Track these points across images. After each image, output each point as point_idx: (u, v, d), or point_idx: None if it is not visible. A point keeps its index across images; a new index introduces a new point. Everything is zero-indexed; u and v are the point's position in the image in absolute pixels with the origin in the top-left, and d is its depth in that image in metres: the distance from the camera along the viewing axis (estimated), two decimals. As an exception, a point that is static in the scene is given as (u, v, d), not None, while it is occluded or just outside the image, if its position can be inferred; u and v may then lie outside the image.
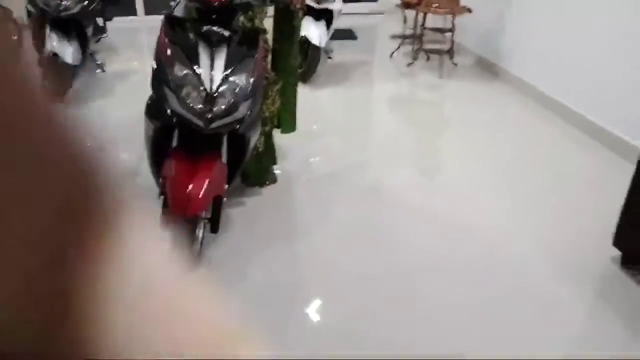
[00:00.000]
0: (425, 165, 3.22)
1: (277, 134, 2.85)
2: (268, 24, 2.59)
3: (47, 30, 3.72)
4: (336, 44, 5.32)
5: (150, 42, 2.06)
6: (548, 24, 3.85)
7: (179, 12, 2.40)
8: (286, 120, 2.84)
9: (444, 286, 2.18)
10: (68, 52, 3.72)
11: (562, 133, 3.52)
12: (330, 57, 5.04)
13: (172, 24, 2.07)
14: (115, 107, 3.89)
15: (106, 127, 3.59)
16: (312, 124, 3.56)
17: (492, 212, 2.67)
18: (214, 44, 1.99)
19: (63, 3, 3.69)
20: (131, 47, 5.43)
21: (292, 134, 2.95)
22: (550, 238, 2.47)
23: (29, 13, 3.85)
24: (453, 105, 4.17)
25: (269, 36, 2.60)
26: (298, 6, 2.16)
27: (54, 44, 3.70)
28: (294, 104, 2.82)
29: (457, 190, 2.88)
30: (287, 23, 2.59)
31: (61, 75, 3.77)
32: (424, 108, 4.14)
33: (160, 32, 2.06)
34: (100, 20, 4.55)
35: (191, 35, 2.01)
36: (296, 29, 2.61)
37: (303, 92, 2.82)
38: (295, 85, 2.77)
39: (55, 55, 3.69)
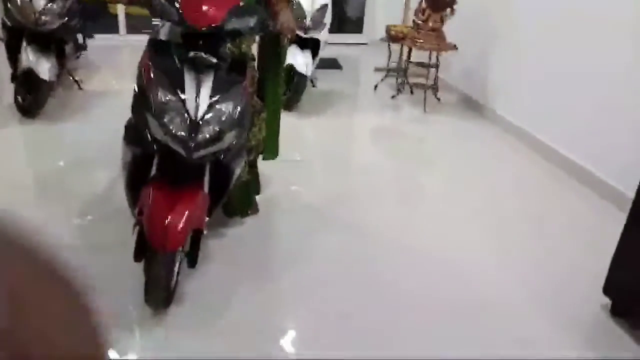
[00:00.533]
0: (407, 199, 3.17)
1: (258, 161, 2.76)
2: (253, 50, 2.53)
3: (24, 44, 3.58)
4: (321, 72, 5.30)
5: (131, 60, 1.97)
6: (536, 64, 3.86)
7: (163, 34, 2.32)
8: (268, 146, 2.75)
9: (426, 326, 2.09)
10: (44, 67, 3.59)
11: (550, 176, 3.50)
12: (314, 85, 5.01)
13: (156, 48, 1.97)
14: (91, 126, 3.74)
15: (80, 146, 3.45)
16: (294, 151, 3.49)
17: (476, 252, 2.61)
18: (200, 70, 1.90)
19: (42, 18, 3.56)
20: (111, 66, 5.30)
21: (273, 160, 2.86)
22: (537, 281, 2.42)
23: (3, 24, 3.70)
24: (437, 141, 4.14)
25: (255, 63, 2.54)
26: (289, 37, 2.09)
27: (30, 58, 3.56)
28: (277, 131, 2.74)
29: (439, 227, 2.82)
30: (273, 50, 2.53)
31: (36, 92, 3.62)
32: (407, 141, 4.10)
33: (144, 55, 1.97)
34: (80, 37, 4.43)
35: (176, 61, 1.91)
36: (281, 56, 2.54)
37: (286, 120, 2.75)
38: (279, 112, 2.70)
39: (30, 70, 3.55)
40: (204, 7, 1.94)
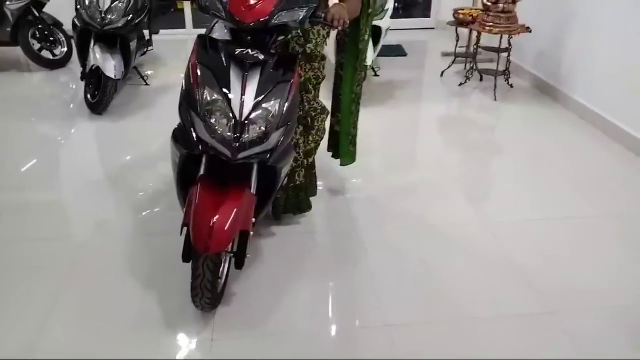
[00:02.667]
0: (475, 195, 2.94)
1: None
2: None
3: (91, 44, 3.71)
4: (384, 60, 5.14)
5: None
6: (615, 44, 3.52)
7: (213, 31, 2.28)
8: (348, 151, 2.67)
9: (499, 341, 1.92)
10: (110, 66, 3.71)
11: (634, 169, 3.18)
12: (377, 74, 4.86)
13: (204, 45, 1.94)
14: (156, 120, 3.85)
15: (145, 140, 3.54)
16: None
17: (551, 257, 2.38)
18: (247, 67, 1.84)
19: (108, 17, 3.68)
20: (177, 60, 5.40)
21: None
22: (615, 289, 2.18)
23: (74, 25, 3.86)
24: (508, 130, 3.87)
25: (328, 62, 2.45)
26: (340, 28, 1.98)
27: (97, 57, 3.70)
28: (355, 135, 2.65)
29: (511, 226, 2.60)
30: (351, 48, 2.42)
31: (103, 89, 3.75)
32: (476, 131, 3.85)
33: (192, 53, 1.94)
34: (146, 33, 4.54)
35: (223, 58, 1.87)
36: (361, 52, 2.43)
37: None
38: (356, 114, 2.60)
39: (97, 68, 3.68)
40: (252, 1, 1.88)
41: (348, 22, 2.03)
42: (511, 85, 4.49)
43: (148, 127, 3.76)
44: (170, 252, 2.24)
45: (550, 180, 3.08)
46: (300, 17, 1.90)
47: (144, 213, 2.73)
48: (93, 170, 3.23)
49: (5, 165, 3.19)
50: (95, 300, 2.11)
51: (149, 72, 4.86)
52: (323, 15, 1.99)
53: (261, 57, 1.88)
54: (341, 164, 2.71)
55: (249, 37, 1.92)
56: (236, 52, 1.86)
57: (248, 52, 1.86)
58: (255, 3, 1.86)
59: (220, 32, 2.39)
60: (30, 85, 4.76)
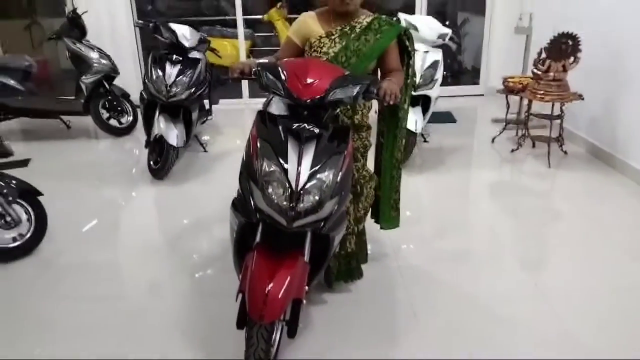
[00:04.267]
0: (531, 267, 2.85)
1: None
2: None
3: (157, 114, 3.97)
4: (434, 127, 5.20)
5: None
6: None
7: (271, 107, 2.42)
8: (390, 216, 2.69)
9: None
10: (173, 135, 3.94)
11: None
12: (426, 141, 4.91)
13: (263, 120, 2.05)
14: (213, 186, 4.02)
15: (202, 204, 3.69)
16: (405, 210, 3.38)
17: (613, 331, 2.26)
18: (303, 140, 1.94)
19: (172, 90, 3.95)
20: (234, 129, 5.69)
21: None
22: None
23: (142, 98, 4.15)
24: (563, 198, 3.78)
25: (374, 130, 2.53)
26: (391, 102, 2.06)
27: (161, 126, 3.94)
28: (399, 200, 2.68)
29: (569, 302, 2.50)
30: (392, 116, 2.51)
31: (165, 156, 3.97)
32: (530, 200, 3.77)
33: (252, 127, 2.05)
34: (206, 103, 4.82)
35: (282, 132, 1.97)
36: (401, 121, 2.50)
37: None
38: (399, 179, 2.64)
39: (161, 137, 3.91)
40: (309, 80, 1.98)
41: (400, 96, 2.11)
42: (565, 152, 4.42)
43: (205, 192, 3.92)
44: (222, 314, 2.28)
45: (608, 250, 2.96)
46: (355, 94, 1.99)
47: (197, 275, 2.81)
48: (151, 232, 3.38)
49: (69, 225, 3.37)
50: (151, 364, 2.15)
51: (206, 138, 5.12)
52: (376, 90, 2.07)
53: (317, 130, 1.97)
54: (382, 228, 2.71)
55: (306, 112, 2.02)
56: (293, 127, 1.95)
57: (305, 126, 1.95)
58: (312, 82, 1.96)
59: (277, 105, 2.53)
60: (97, 151, 5.10)
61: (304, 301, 1.91)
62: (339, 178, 1.94)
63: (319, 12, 2.34)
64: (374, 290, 2.63)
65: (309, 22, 2.32)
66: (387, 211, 2.65)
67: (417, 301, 2.51)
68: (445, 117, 5.66)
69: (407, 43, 2.37)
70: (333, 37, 2.28)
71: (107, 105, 5.18)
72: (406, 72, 2.40)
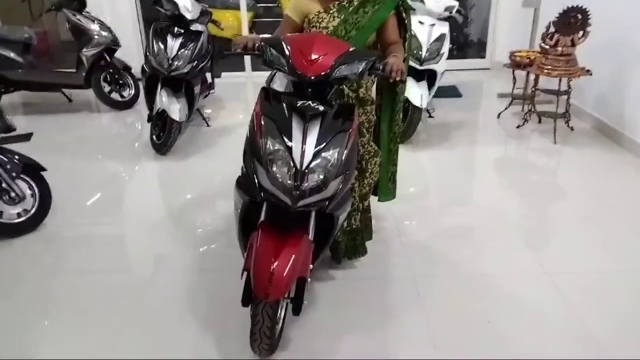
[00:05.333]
0: (537, 246, 2.84)
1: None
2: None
3: (158, 88, 3.93)
4: (439, 101, 5.15)
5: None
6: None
7: (275, 83, 2.38)
8: (387, 187, 2.68)
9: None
10: (175, 109, 3.90)
11: None
12: (431, 116, 4.87)
13: (267, 97, 2.02)
14: (216, 160, 4.01)
15: (205, 179, 3.68)
16: (409, 185, 3.39)
17: (621, 317, 2.27)
18: (307, 118, 1.91)
19: (174, 63, 3.89)
20: (237, 102, 5.64)
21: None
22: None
23: (143, 71, 4.10)
24: (569, 174, 3.76)
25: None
26: (398, 79, 2.03)
27: (164, 100, 3.90)
28: (395, 172, 2.67)
29: (575, 282, 2.49)
30: (390, 90, 2.48)
31: (168, 131, 3.94)
32: (536, 176, 3.75)
33: (256, 104, 2.02)
34: (208, 77, 4.77)
35: (285, 109, 1.94)
36: (399, 96, 2.48)
37: (401, 153, 2.65)
38: (396, 152, 2.63)
39: (163, 111, 3.88)
40: (314, 56, 1.94)
41: (406, 73, 2.08)
42: (572, 128, 4.38)
43: (208, 167, 3.91)
44: (226, 289, 2.31)
45: (614, 228, 2.96)
46: (360, 70, 1.95)
47: (201, 249, 2.82)
48: (155, 207, 3.38)
49: (73, 200, 3.38)
50: (154, 337, 2.17)
51: (209, 111, 5.08)
52: (381, 67, 2.04)
53: (321, 108, 1.93)
54: (379, 200, 2.70)
55: (310, 89, 1.99)
56: (298, 105, 1.92)
57: (309, 104, 1.92)
58: (317, 58, 1.92)
59: (281, 80, 2.49)
60: (99, 125, 5.07)
61: (309, 279, 1.91)
62: (343, 157, 1.92)
63: None
64: (378, 267, 2.64)
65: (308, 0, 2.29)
66: (384, 183, 2.65)
67: (420, 279, 2.52)
68: (451, 92, 5.60)
69: (404, 15, 2.36)
70: (331, 12, 2.26)
71: (109, 79, 5.13)
72: (404, 45, 2.36)
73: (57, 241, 2.93)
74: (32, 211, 2.95)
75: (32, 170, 2.95)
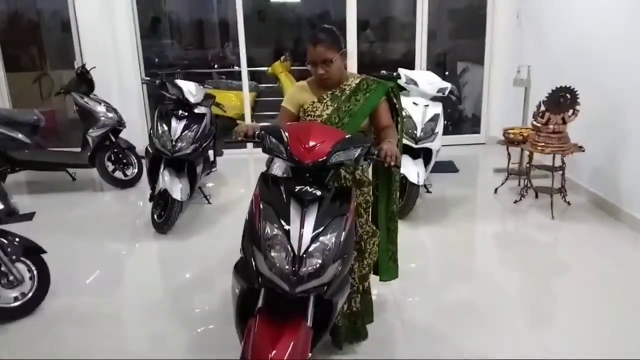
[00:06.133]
0: (538, 325, 2.81)
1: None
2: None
3: (161, 168, 4.02)
4: (436, 176, 5.23)
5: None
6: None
7: (274, 169, 2.46)
8: (388, 267, 2.69)
9: None
10: (177, 189, 3.97)
11: None
12: (429, 191, 4.93)
13: (266, 182, 2.08)
14: (217, 239, 4.02)
15: (205, 258, 3.67)
16: (409, 262, 3.37)
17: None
18: (305, 203, 1.95)
19: (178, 145, 4.00)
20: (238, 179, 5.73)
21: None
22: None
23: (147, 152, 4.21)
24: (569, 251, 3.75)
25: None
26: (392, 164, 2.09)
27: (166, 180, 3.97)
28: (396, 251, 2.68)
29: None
30: (386, 171, 2.54)
31: (169, 210, 3.99)
32: (535, 252, 3.74)
33: (256, 188, 2.07)
34: (211, 155, 4.88)
35: (284, 194, 1.99)
36: (394, 176, 2.54)
37: (400, 228, 2.67)
38: (395, 231, 2.65)
39: (165, 191, 3.94)
40: (311, 143, 2.01)
41: (400, 158, 2.15)
42: (568, 203, 4.43)
43: (208, 245, 3.91)
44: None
45: (615, 308, 2.91)
46: (356, 156, 2.02)
47: (199, 330, 2.79)
48: (153, 286, 3.37)
49: (72, 279, 3.36)
50: None
51: (211, 185, 5.16)
52: (376, 152, 2.11)
53: (319, 193, 1.98)
54: (381, 280, 2.69)
55: (308, 174, 2.04)
56: (296, 190, 1.97)
57: (307, 189, 1.97)
58: (314, 145, 2.00)
59: (280, 164, 2.56)
60: (102, 203, 5.13)
61: (308, 367, 1.87)
62: (341, 240, 1.94)
63: (310, 80, 2.45)
64: (380, 350, 2.58)
65: (302, 91, 2.43)
66: (384, 262, 2.65)
67: (423, 362, 2.47)
68: (448, 167, 5.70)
69: (395, 100, 2.48)
70: (325, 101, 2.38)
71: (113, 158, 5.25)
72: (396, 128, 2.45)
73: (54, 324, 2.88)
74: (30, 294, 2.93)
75: (32, 252, 2.96)
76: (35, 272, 2.96)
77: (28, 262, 2.95)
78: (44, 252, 3.00)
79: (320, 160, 1.99)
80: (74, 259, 3.69)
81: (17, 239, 2.89)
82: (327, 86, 2.39)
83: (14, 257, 2.84)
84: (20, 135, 4.94)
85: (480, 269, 3.57)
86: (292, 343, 1.83)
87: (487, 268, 3.54)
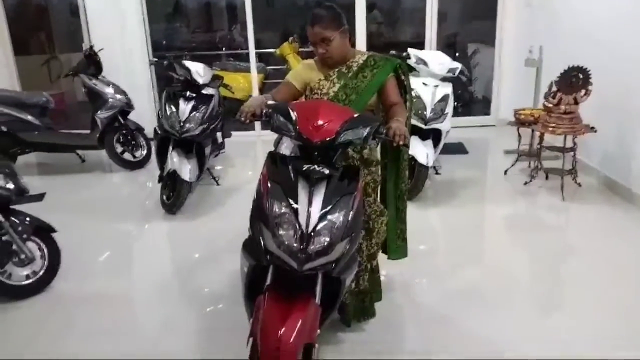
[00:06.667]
0: (547, 307, 2.79)
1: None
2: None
3: (170, 149, 4.02)
4: (446, 158, 5.19)
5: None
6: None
7: (282, 148, 2.44)
8: (397, 246, 2.68)
9: None
10: (186, 170, 3.97)
11: None
12: (438, 173, 4.90)
13: (274, 161, 2.07)
14: (225, 219, 4.03)
15: (214, 238, 3.69)
16: (418, 243, 3.36)
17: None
18: (313, 181, 1.94)
19: (186, 126, 4.00)
20: (246, 161, 5.73)
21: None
22: None
23: (155, 133, 4.21)
24: (579, 234, 3.71)
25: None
26: (401, 143, 2.07)
27: (175, 161, 3.98)
28: (405, 230, 2.67)
29: (586, 341, 2.44)
30: (394, 150, 2.52)
31: (178, 191, 4.00)
32: (545, 234, 3.71)
33: (263, 167, 2.07)
34: (219, 136, 4.87)
35: (292, 173, 1.98)
36: (403, 154, 2.52)
37: (409, 210, 2.66)
38: (404, 210, 2.64)
39: (174, 172, 3.95)
40: (320, 122, 1.99)
41: (409, 136, 2.12)
42: (579, 184, 4.38)
43: (217, 226, 3.93)
44: (233, 350, 2.26)
45: (625, 291, 2.89)
46: (365, 135, 2.00)
47: (208, 309, 2.81)
48: (163, 266, 3.39)
49: (82, 260, 3.40)
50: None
51: (219, 168, 5.16)
52: (385, 131, 2.09)
53: (327, 171, 1.97)
54: (389, 258, 2.68)
55: (316, 153, 2.03)
56: (304, 168, 1.96)
57: (315, 168, 1.95)
58: (323, 124, 1.98)
59: (288, 143, 2.55)
60: (111, 184, 5.15)
61: (316, 345, 1.88)
62: (349, 218, 1.93)
63: (317, 59, 2.41)
64: (387, 329, 2.59)
65: (309, 69, 2.41)
66: (393, 241, 2.64)
67: (430, 342, 2.47)
68: (457, 148, 5.65)
69: (403, 77, 2.45)
70: (331, 78, 2.35)
71: (122, 139, 5.26)
72: (405, 106, 2.42)
73: (64, 303, 2.92)
74: (41, 273, 2.97)
75: (43, 231, 2.99)
76: (45, 250, 2.99)
77: (39, 240, 2.98)
78: (55, 231, 3.02)
79: (328, 139, 1.97)
80: (83, 239, 3.73)
81: (27, 219, 2.92)
82: (332, 64, 2.36)
83: (24, 235, 2.87)
84: (29, 117, 4.96)
85: (489, 252, 3.55)
86: (301, 320, 1.84)
87: (496, 251, 3.53)
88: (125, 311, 2.87)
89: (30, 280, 2.94)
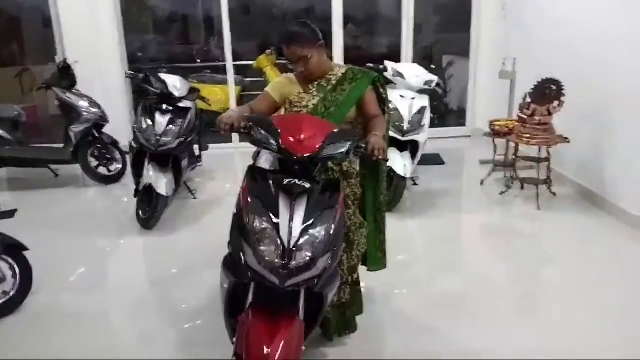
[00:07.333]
0: (526, 312, 2.84)
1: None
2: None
3: (145, 163, 3.96)
4: (423, 169, 5.23)
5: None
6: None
7: (262, 162, 2.42)
8: (376, 257, 2.68)
9: None
10: (162, 183, 3.92)
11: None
12: (415, 183, 4.93)
13: (254, 175, 2.05)
14: (202, 233, 3.98)
15: (191, 253, 3.63)
16: (396, 254, 3.36)
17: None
18: (294, 195, 1.93)
19: (162, 139, 3.95)
20: (224, 173, 5.67)
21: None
22: None
23: (131, 147, 4.14)
24: (555, 241, 3.78)
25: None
26: (380, 157, 2.08)
27: (150, 175, 3.92)
28: (384, 241, 2.68)
29: (562, 346, 2.47)
30: (373, 162, 2.52)
31: (154, 205, 3.93)
32: (521, 242, 3.77)
33: (243, 181, 2.04)
34: (196, 149, 4.82)
35: (272, 187, 1.96)
36: (381, 166, 2.53)
37: (387, 220, 2.67)
38: (382, 222, 2.64)
39: (150, 186, 3.88)
40: (302, 136, 1.98)
41: (387, 149, 2.13)
42: (554, 194, 4.46)
43: (194, 240, 3.87)
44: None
45: (601, 296, 2.94)
46: (346, 150, 2.00)
47: (186, 325, 2.76)
48: (139, 282, 3.33)
49: (56, 277, 3.30)
50: None
51: (197, 180, 5.10)
52: (363, 145, 2.09)
53: (307, 185, 1.96)
54: (368, 270, 2.69)
55: (296, 167, 2.02)
56: (284, 182, 1.95)
57: (295, 182, 1.94)
58: (305, 138, 1.97)
59: (266, 157, 2.53)
60: (85, 199, 5.04)
61: (300, 362, 1.86)
62: (331, 232, 1.92)
63: (297, 73, 2.40)
64: (369, 341, 2.58)
65: (289, 83, 2.41)
66: (372, 252, 2.64)
67: (412, 352, 2.46)
68: (434, 159, 5.71)
69: (381, 89, 2.46)
70: (311, 91, 2.36)
71: (96, 153, 5.16)
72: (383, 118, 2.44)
73: (39, 321, 2.83)
74: (12, 293, 2.87)
75: (14, 250, 2.90)
76: (17, 269, 2.90)
77: (9, 259, 2.88)
78: (26, 249, 2.93)
79: (312, 153, 1.96)
80: (57, 256, 3.63)
81: (-2, 236, 2.83)
82: (312, 78, 2.37)
83: (-5, 254, 2.78)
84: (0, 131, 4.83)
85: (468, 260, 3.58)
86: (287, 338, 1.82)
87: (474, 259, 3.56)
88: (101, 328, 2.80)
89: (1, 301, 2.84)
